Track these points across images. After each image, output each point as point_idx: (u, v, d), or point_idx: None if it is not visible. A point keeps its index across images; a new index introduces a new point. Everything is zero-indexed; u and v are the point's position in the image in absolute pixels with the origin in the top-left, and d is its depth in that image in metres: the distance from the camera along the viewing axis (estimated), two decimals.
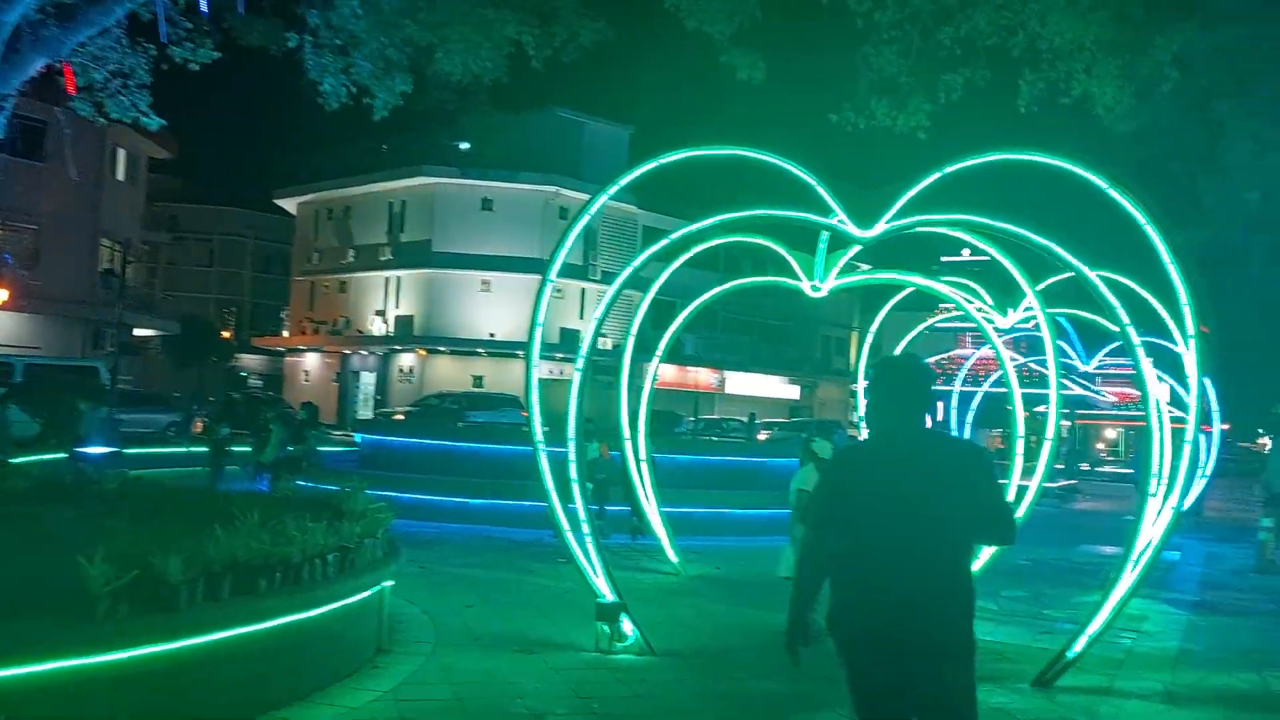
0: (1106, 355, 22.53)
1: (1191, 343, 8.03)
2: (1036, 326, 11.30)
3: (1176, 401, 16.13)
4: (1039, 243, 8.01)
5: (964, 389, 25.38)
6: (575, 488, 8.19)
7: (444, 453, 17.53)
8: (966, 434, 22.17)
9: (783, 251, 11.29)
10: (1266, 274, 27.72)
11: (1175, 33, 10.28)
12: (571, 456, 8.29)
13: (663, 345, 13.23)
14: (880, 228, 8.26)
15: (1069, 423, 35.43)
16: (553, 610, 9.71)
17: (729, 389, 53.50)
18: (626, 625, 8.13)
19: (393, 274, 47.06)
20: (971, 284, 14.06)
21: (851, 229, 8.34)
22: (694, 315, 13.27)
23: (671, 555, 12.52)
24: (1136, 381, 8.42)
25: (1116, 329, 8.36)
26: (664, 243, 9.08)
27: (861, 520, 3.87)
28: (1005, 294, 14.31)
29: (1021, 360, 25.26)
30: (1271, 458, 16.58)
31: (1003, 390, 26.19)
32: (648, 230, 43.52)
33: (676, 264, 11.05)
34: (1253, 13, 14.90)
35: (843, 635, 3.84)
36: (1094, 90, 10.60)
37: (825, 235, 10.39)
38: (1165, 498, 9.22)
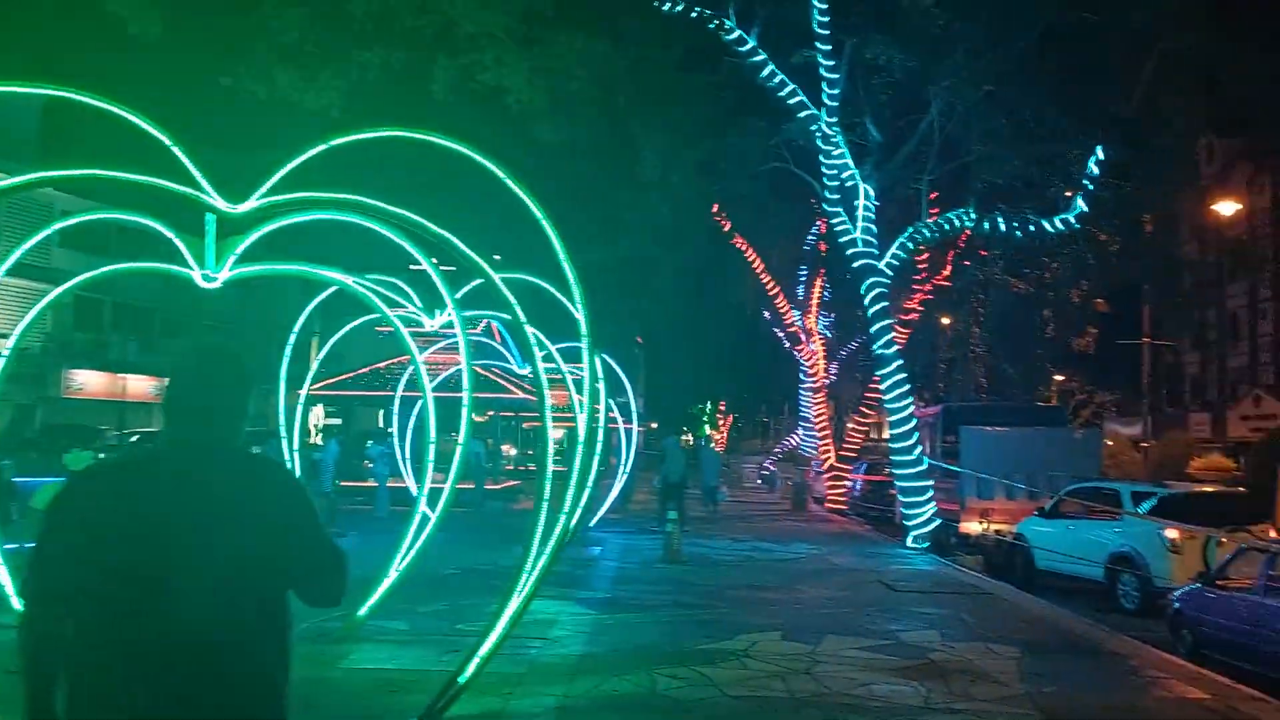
0: (544, 360, 23.19)
1: (585, 343, 7.82)
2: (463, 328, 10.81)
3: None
4: (435, 232, 7.29)
5: (408, 395, 24.93)
6: None
7: None
8: (408, 442, 21.58)
9: (169, 233, 9.56)
10: (676, 285, 30.79)
11: (580, 34, 10.42)
12: None
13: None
14: (252, 203, 7.03)
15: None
16: None
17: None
18: None
19: None
20: (400, 284, 13.29)
21: (218, 203, 7.01)
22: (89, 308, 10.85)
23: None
24: (534, 381, 8.04)
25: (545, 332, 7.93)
26: None
27: (101, 577, 2.62)
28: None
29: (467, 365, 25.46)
30: (669, 452, 17.93)
31: (458, 395, 26.18)
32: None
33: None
34: (666, 34, 16.18)
35: None
36: (506, 82, 10.41)
37: (212, 216, 8.89)
38: (575, 498, 9.06)
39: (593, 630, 10.37)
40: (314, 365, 14.03)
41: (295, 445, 13.59)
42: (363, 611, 9.66)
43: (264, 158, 7.63)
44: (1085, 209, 20.08)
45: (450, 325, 13.23)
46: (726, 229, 28.78)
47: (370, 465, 22.95)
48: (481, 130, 13.98)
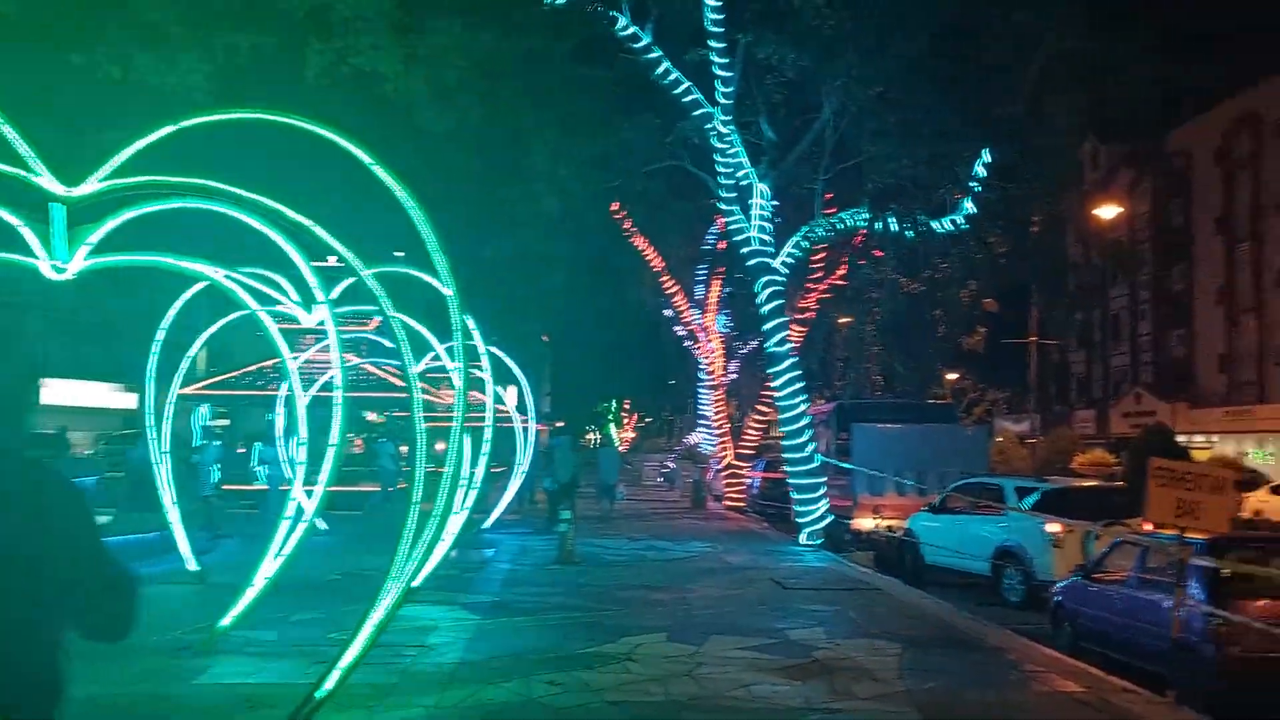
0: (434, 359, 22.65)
1: (458, 338, 7.52)
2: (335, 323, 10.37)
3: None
4: (291, 219, 6.91)
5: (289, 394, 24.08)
6: None
7: None
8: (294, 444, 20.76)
9: (13, 219, 8.92)
10: (578, 283, 30.53)
11: (459, 22, 10.11)
12: None
13: None
14: (91, 186, 6.57)
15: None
16: None
17: (45, 399, 46.02)
18: None
19: None
20: (277, 278, 12.72)
21: (50, 184, 6.52)
22: None
23: None
24: (404, 376, 7.70)
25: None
26: None
27: None
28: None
29: (358, 361, 24.74)
30: (557, 452, 17.65)
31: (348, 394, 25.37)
32: None
33: None
34: (558, 27, 15.92)
35: None
36: (382, 68, 10.01)
37: (60, 205, 8.32)
38: (447, 499, 8.72)
39: (473, 636, 10.05)
40: (184, 364, 13.33)
41: (165, 448, 12.91)
42: (226, 622, 9.18)
43: (112, 138, 7.15)
44: (973, 210, 20.46)
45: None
46: (627, 227, 28.64)
47: (261, 468, 22.11)
48: (364, 119, 13.53)
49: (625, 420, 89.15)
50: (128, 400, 51.45)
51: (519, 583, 13.89)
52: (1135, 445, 26.19)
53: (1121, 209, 34.27)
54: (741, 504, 29.47)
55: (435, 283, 9.29)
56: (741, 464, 29.94)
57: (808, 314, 28.59)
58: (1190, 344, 49.86)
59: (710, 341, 32.10)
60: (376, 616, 6.95)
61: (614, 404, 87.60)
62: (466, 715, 7.23)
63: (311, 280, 9.59)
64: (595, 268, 32.37)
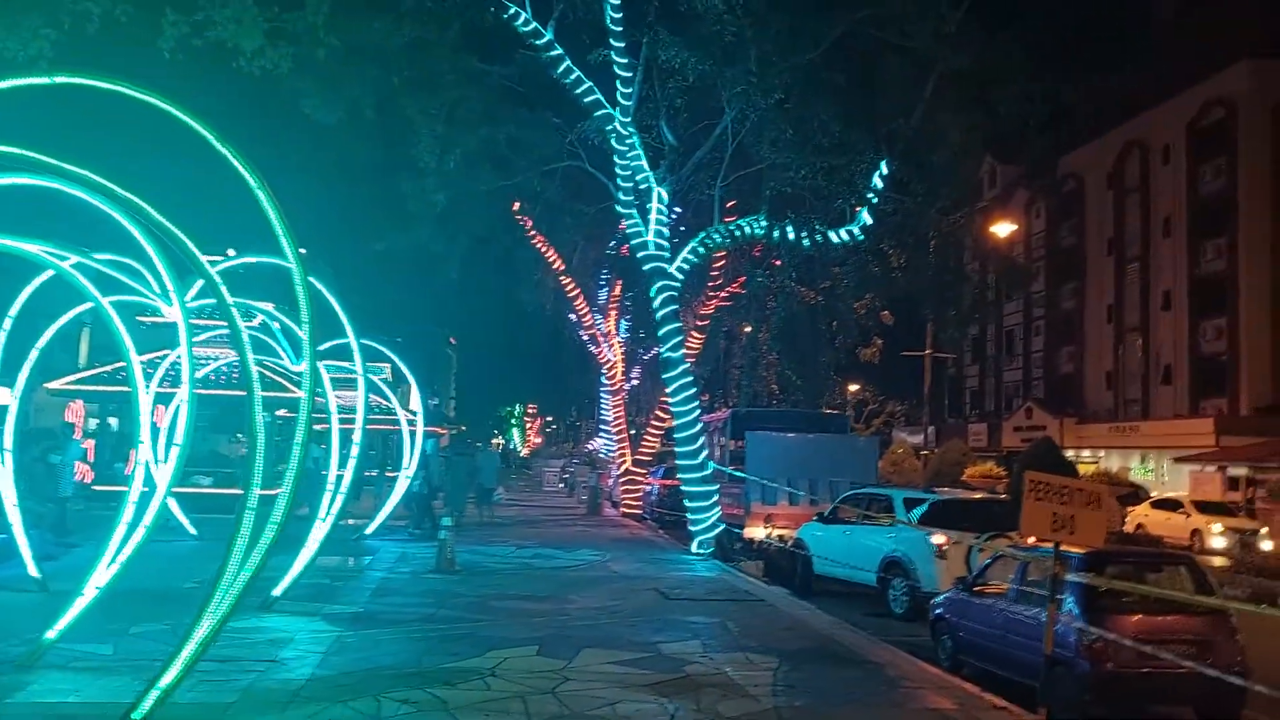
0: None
1: (305, 337, 7.00)
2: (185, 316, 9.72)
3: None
4: (124, 196, 6.32)
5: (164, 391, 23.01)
6: None
7: None
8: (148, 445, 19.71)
9: None
10: (480, 284, 29.90)
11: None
12: None
13: None
14: None
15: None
16: None
17: None
18: None
19: None
20: (137, 265, 11.92)
21: None
22: None
23: None
24: (243, 375, 7.11)
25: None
26: None
27: None
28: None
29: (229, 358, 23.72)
30: (432, 456, 17.07)
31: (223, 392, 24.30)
32: None
33: None
34: (436, 11, 15.37)
35: None
36: (243, 43, 9.42)
37: None
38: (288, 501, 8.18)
39: (330, 649, 9.46)
40: (31, 355, 12.39)
41: (5, 446, 12.00)
42: (52, 634, 8.44)
43: None
44: (869, 221, 20.53)
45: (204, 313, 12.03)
46: (527, 226, 28.13)
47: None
48: (245, 109, 12.84)
49: (529, 424, 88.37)
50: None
51: (390, 592, 13.29)
52: (1023, 458, 26.65)
53: (1016, 226, 35.05)
54: (639, 511, 29.19)
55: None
56: (639, 470, 29.66)
57: (706, 321, 28.49)
58: (1080, 361, 51.38)
59: (611, 346, 31.79)
60: (201, 631, 6.38)
61: (518, 408, 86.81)
62: None
63: (161, 268, 8.93)
64: (497, 268, 31.80)
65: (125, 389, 24.05)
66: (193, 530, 18.46)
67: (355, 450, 13.68)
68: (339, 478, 14.16)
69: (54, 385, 23.10)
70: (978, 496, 21.56)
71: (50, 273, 10.85)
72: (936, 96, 19.22)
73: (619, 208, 20.55)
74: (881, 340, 35.41)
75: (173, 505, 18.93)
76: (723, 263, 27.64)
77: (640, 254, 20.27)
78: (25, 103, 6.79)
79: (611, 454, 32.67)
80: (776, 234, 20.95)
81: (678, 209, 25.80)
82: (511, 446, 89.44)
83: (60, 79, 5.99)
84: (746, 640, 10.64)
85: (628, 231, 20.64)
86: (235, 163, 6.35)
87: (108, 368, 24.15)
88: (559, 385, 59.53)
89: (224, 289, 6.78)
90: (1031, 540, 11.51)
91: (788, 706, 7.92)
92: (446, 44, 15.81)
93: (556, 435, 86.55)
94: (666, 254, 20.19)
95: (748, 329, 32.35)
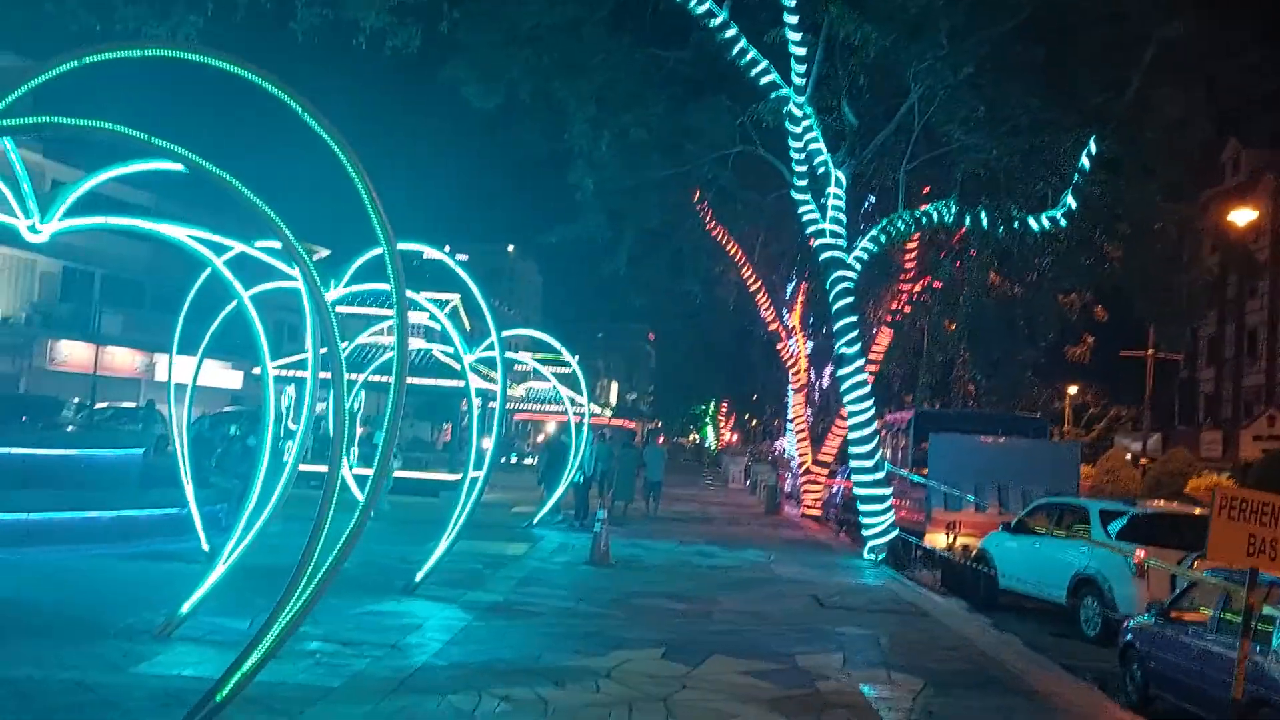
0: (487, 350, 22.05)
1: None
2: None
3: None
4: (215, 171, 6.24)
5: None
6: None
7: None
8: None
9: None
10: (658, 276, 29.55)
11: None
12: None
13: None
14: None
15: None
16: None
17: (161, 375, 47.46)
18: None
19: None
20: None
21: None
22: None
23: None
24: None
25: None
26: None
27: None
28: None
29: (428, 347, 24.40)
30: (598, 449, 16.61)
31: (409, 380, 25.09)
32: None
33: None
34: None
35: None
36: (363, 19, 9.37)
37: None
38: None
39: (454, 638, 9.27)
40: (205, 339, 12.91)
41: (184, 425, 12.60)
42: (186, 608, 8.62)
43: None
44: (1074, 206, 18.81)
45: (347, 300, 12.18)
46: (706, 216, 27.57)
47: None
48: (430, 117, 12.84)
49: (722, 422, 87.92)
50: (233, 378, 52.88)
51: (537, 582, 13.10)
52: (1257, 471, 23.96)
53: (1257, 213, 31.56)
54: (818, 512, 28.16)
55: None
56: (819, 470, 28.59)
57: (899, 317, 27.07)
58: None
59: (794, 341, 30.82)
60: (289, 614, 6.21)
61: (712, 405, 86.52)
62: None
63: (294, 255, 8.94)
64: (682, 263, 31.28)
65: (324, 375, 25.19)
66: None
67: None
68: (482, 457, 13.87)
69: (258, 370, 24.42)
70: (1197, 512, 19.42)
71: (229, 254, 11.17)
72: (1154, 69, 17.34)
73: (793, 194, 19.70)
74: (1093, 338, 32.75)
75: (351, 484, 19.66)
76: (915, 253, 26.17)
77: (816, 243, 19.35)
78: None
79: (794, 453, 31.70)
80: (968, 220, 19.55)
81: (870, 197, 24.58)
82: (705, 444, 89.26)
83: (150, 52, 5.95)
84: (895, 657, 9.74)
85: (804, 219, 19.75)
86: (330, 140, 6.14)
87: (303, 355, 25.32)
88: (749, 383, 58.64)
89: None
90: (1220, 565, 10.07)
91: None
92: (600, 23, 15.50)
93: (754, 434, 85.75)
94: (844, 243, 19.17)
95: (952, 326, 30.40)
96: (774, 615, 11.70)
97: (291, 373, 25.08)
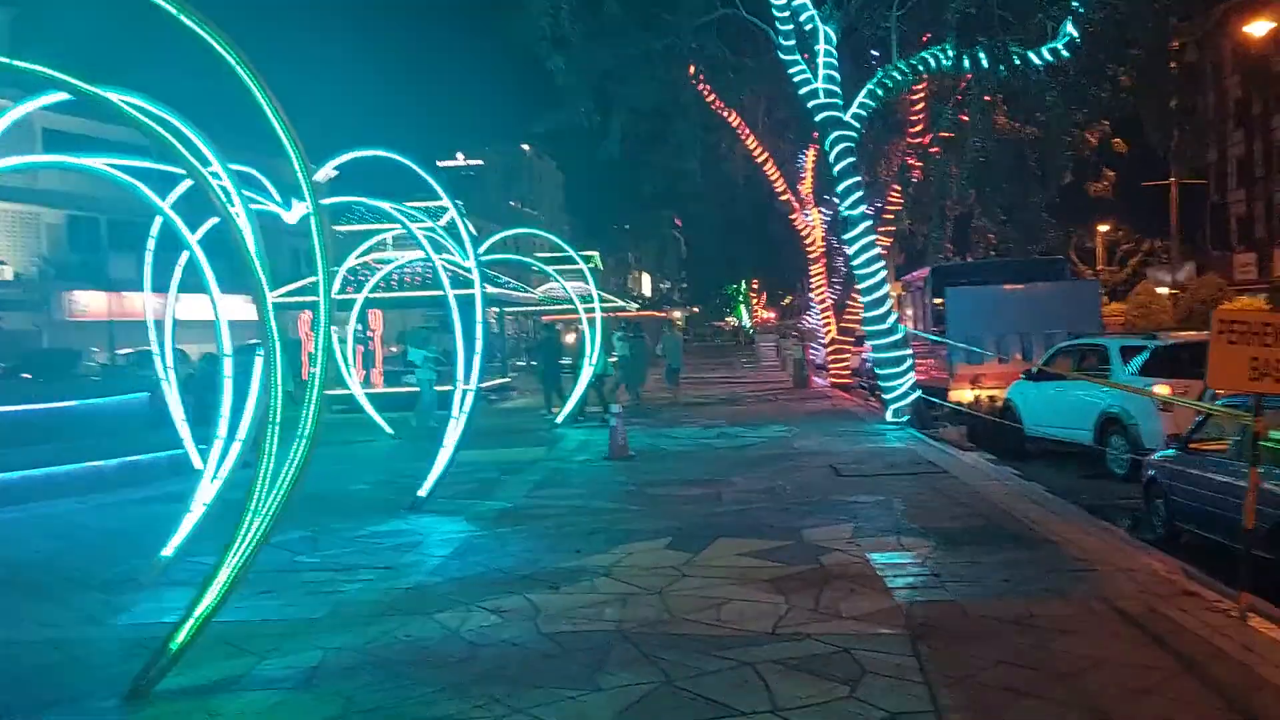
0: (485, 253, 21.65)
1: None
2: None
3: None
4: (118, 106, 5.82)
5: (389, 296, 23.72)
6: None
7: None
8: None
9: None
10: (669, 159, 28.71)
11: None
12: None
13: None
14: None
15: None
16: None
17: (181, 315, 47.61)
18: None
19: None
20: (254, 173, 11.77)
21: None
22: None
23: None
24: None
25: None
26: None
27: None
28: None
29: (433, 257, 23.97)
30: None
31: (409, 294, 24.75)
32: None
33: None
34: None
35: None
36: None
37: None
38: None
39: (453, 553, 9.10)
40: (177, 270, 12.64)
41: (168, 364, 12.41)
42: (168, 552, 8.52)
43: None
44: (1075, 35, 17.82)
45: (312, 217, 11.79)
46: (706, 92, 26.59)
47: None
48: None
49: (755, 300, 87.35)
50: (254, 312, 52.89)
51: (551, 484, 12.97)
52: None
53: (1275, 24, 29.82)
54: (849, 381, 27.87)
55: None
56: (845, 339, 28.18)
57: (910, 173, 26.16)
58: None
59: (807, 212, 30.06)
60: (241, 550, 6.01)
61: (743, 285, 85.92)
62: (362, 661, 6.17)
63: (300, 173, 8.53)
64: (689, 143, 30.34)
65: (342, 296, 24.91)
66: (390, 430, 18.91)
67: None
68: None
69: (273, 297, 24.21)
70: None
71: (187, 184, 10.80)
72: None
73: (781, 54, 18.83)
74: (1114, 173, 31.54)
75: (367, 405, 19.59)
76: (922, 104, 25.12)
77: (810, 104, 18.56)
78: None
79: (818, 325, 31.24)
80: (967, 62, 18.62)
81: (873, 52, 23.47)
82: (743, 325, 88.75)
83: None
84: (908, 521, 9.50)
85: (796, 80, 18.91)
86: (242, 73, 5.69)
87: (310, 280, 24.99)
88: (776, 259, 57.86)
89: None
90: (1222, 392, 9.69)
91: (921, 604, 6.82)
92: None
93: (788, 310, 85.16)
94: (839, 101, 18.36)
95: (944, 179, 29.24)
96: (787, 490, 11.49)
97: (298, 298, 24.80)
